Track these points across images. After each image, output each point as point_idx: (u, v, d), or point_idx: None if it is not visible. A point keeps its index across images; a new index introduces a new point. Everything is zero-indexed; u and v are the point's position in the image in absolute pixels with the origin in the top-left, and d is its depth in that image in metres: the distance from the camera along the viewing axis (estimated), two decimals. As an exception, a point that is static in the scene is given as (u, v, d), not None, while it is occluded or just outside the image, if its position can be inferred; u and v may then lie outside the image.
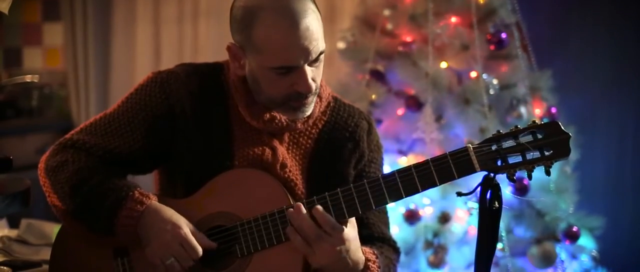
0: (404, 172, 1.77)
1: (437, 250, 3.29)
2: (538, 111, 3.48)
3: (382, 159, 2.10)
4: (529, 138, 1.73)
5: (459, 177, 1.76)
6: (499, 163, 1.74)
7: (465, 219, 3.35)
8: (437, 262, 3.29)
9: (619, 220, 3.88)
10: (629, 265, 3.88)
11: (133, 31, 4.98)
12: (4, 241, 2.45)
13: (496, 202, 1.75)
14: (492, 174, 1.75)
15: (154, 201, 1.85)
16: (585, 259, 3.46)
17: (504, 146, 1.73)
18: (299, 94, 1.85)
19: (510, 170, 1.74)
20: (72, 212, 1.86)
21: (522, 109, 3.38)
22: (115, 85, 5.04)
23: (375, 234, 2.02)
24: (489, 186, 1.75)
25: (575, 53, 4.02)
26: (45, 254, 2.26)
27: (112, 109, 1.98)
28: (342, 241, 1.77)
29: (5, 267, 2.11)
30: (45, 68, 5.32)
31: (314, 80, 1.84)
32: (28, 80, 2.05)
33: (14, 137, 4.65)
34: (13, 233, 2.54)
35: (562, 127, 1.73)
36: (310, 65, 1.82)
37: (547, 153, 1.72)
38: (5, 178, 1.98)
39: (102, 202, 1.83)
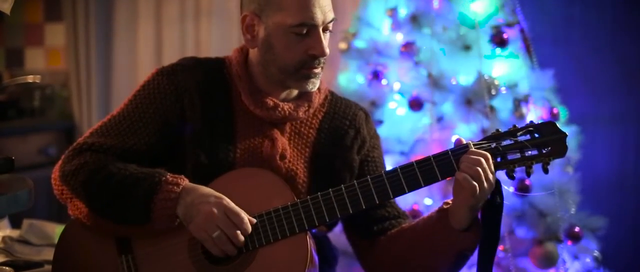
0: (406, 168, 1.81)
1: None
2: (540, 111, 3.48)
3: (381, 148, 2.15)
4: (527, 137, 1.79)
5: None
6: (498, 160, 1.79)
7: (467, 219, 3.34)
8: (439, 262, 3.28)
9: (622, 220, 3.88)
10: (631, 266, 3.87)
11: (135, 31, 4.99)
12: (6, 241, 2.45)
13: (497, 197, 1.80)
14: None
15: (188, 181, 1.86)
16: (587, 259, 3.45)
17: (503, 144, 1.79)
18: (313, 59, 1.91)
19: (509, 166, 1.79)
20: (101, 209, 1.87)
21: (524, 109, 3.38)
22: (118, 85, 5.04)
23: (396, 212, 2.06)
24: None
25: (577, 53, 4.02)
26: (47, 254, 2.26)
27: (120, 108, 2.00)
28: (493, 173, 1.78)
29: (7, 268, 2.11)
30: (47, 68, 5.32)
31: (326, 47, 1.92)
32: (30, 81, 2.05)
33: (15, 137, 4.64)
34: (15, 233, 2.54)
35: (559, 127, 1.79)
36: (323, 32, 1.91)
37: (544, 151, 1.78)
38: (7, 178, 1.98)
39: (135, 191, 1.83)
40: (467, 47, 3.35)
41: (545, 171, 1.79)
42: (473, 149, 1.78)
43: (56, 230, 2.54)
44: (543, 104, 3.50)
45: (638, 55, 3.97)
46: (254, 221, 1.83)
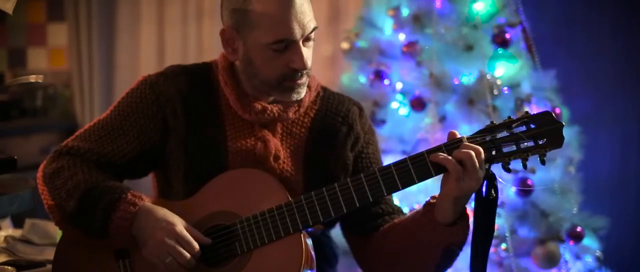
0: (399, 164, 1.79)
1: (441, 250, 3.28)
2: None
3: (377, 142, 2.12)
4: (523, 128, 1.76)
5: None
6: (493, 153, 1.76)
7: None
8: (441, 262, 3.28)
9: (623, 220, 3.87)
10: (633, 265, 3.87)
11: (137, 31, 4.99)
12: (8, 241, 2.45)
13: (492, 191, 1.78)
14: (487, 164, 1.77)
15: (146, 202, 1.85)
16: (589, 259, 3.45)
17: (498, 136, 1.77)
18: (294, 72, 1.88)
19: (504, 159, 1.76)
20: (68, 217, 1.87)
21: (526, 109, 3.38)
22: (119, 85, 5.04)
23: (390, 209, 2.04)
24: (485, 176, 1.77)
25: (579, 53, 4.01)
26: (49, 254, 2.26)
27: (105, 114, 2.01)
28: (483, 170, 1.76)
29: (9, 267, 2.12)
30: (49, 68, 5.33)
31: (307, 59, 1.88)
32: (32, 81, 2.06)
33: (18, 137, 4.65)
34: (17, 233, 2.54)
35: (555, 117, 1.75)
36: (304, 44, 1.86)
37: (541, 142, 1.74)
38: (10, 178, 1.99)
39: (96, 205, 1.83)
40: (469, 47, 3.35)
41: (542, 163, 1.75)
42: (466, 143, 1.76)
43: (58, 230, 2.54)
44: (545, 104, 3.50)
45: (639, 55, 3.97)
46: (209, 241, 1.82)
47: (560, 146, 1.75)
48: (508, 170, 1.77)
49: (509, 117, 1.78)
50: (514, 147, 1.75)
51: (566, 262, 3.34)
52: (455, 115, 3.37)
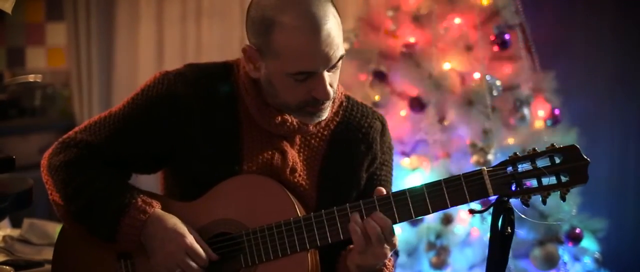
0: (415, 191, 1.74)
1: (440, 251, 3.28)
2: (541, 113, 3.48)
3: (392, 161, 2.05)
4: (547, 162, 1.69)
5: (472, 200, 1.73)
6: (513, 188, 1.71)
7: (467, 220, 3.35)
8: (440, 263, 3.28)
9: (622, 222, 3.88)
10: (631, 267, 3.87)
11: (136, 30, 4.99)
12: (7, 241, 2.45)
13: (509, 228, 1.72)
14: (505, 198, 1.72)
15: (157, 209, 1.82)
16: (588, 261, 3.46)
17: (519, 170, 1.70)
18: (316, 100, 1.79)
19: (524, 196, 1.71)
20: (74, 215, 1.84)
21: (526, 111, 3.38)
22: (118, 84, 5.04)
23: None
24: (502, 210, 1.72)
25: (578, 54, 4.02)
26: (48, 253, 2.26)
27: (117, 108, 1.93)
28: (392, 246, 1.76)
29: (7, 267, 2.11)
30: (48, 68, 5.32)
31: (331, 85, 1.78)
32: (31, 80, 2.05)
33: (16, 136, 4.65)
34: (15, 233, 2.54)
35: (581, 153, 1.68)
36: (329, 70, 1.76)
37: (564, 179, 1.68)
38: (8, 178, 1.98)
39: (105, 208, 1.80)
40: (468, 48, 3.35)
41: (563, 199, 1.70)
42: (377, 213, 1.73)
43: (57, 229, 2.53)
44: (544, 105, 3.50)
45: (638, 57, 3.97)
46: (216, 257, 1.80)
47: (584, 184, 1.68)
48: (527, 205, 1.72)
49: (534, 149, 1.70)
50: (535, 183, 1.70)
51: (565, 263, 3.34)
52: (455, 116, 3.37)
